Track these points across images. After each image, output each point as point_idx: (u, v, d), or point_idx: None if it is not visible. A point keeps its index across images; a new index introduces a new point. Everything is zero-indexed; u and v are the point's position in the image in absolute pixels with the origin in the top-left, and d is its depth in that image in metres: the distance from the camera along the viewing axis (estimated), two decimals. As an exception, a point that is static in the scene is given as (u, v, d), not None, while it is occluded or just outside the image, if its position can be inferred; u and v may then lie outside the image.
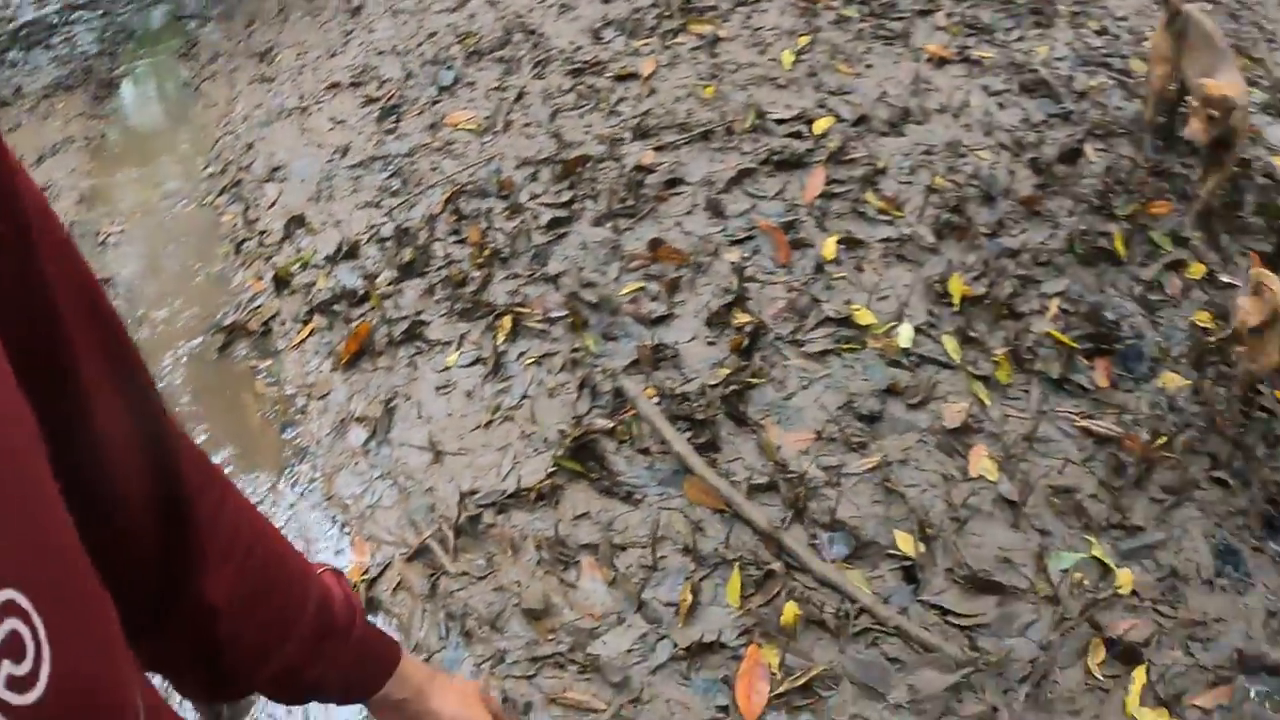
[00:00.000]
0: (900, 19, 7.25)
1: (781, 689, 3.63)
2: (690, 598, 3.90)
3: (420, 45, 8.20)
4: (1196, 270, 5.21)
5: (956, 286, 5.00)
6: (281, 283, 5.99)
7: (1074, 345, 4.72)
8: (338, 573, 1.37)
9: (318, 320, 5.65)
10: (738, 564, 3.98)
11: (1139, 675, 3.74)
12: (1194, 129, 4.82)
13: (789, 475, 4.27)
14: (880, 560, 4.09)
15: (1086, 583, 3.99)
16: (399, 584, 4.22)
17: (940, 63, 6.78)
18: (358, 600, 1.36)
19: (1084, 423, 4.46)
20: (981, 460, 4.36)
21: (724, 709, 3.63)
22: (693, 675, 3.73)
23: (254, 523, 1.17)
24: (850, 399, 4.61)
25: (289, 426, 5.17)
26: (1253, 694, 3.79)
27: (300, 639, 1.15)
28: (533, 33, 7.93)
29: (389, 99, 7.52)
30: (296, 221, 6.38)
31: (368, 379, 5.18)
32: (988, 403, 4.57)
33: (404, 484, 4.60)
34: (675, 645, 3.81)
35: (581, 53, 7.46)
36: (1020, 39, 7.01)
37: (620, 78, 7.04)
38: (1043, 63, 6.66)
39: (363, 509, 4.59)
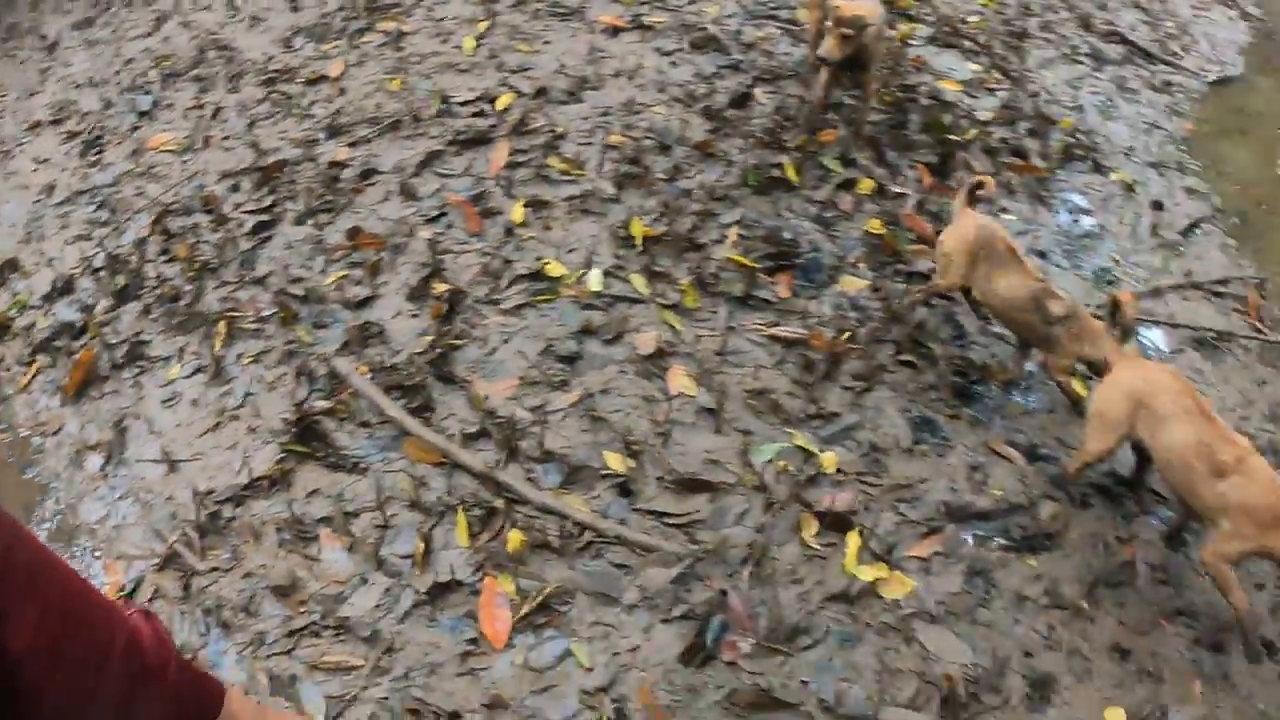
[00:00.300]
0: (575, -5, 7.72)
1: (522, 612, 3.85)
2: (424, 546, 4.10)
3: (118, 73, 8.05)
4: (866, 186, 5.83)
5: (638, 229, 5.42)
6: (1, 329, 5.89)
7: (754, 266, 5.21)
8: (148, 614, 1.30)
9: (41, 360, 5.51)
10: (461, 508, 4.22)
11: (853, 539, 4.18)
12: (828, 47, 5.42)
13: (499, 421, 4.55)
14: (595, 481, 4.40)
15: (791, 469, 4.42)
16: (155, 593, 4.21)
17: (615, 31, 7.25)
18: (171, 642, 1.31)
19: (771, 330, 4.93)
20: (679, 379, 4.76)
21: (473, 641, 3.84)
22: (438, 616, 3.92)
23: (51, 560, 1.11)
24: (549, 344, 4.94)
25: (28, 467, 5.05)
26: (965, 538, 4.34)
27: (114, 678, 1.09)
28: (225, 48, 7.93)
29: (90, 132, 7.38)
30: (10, 266, 6.24)
31: (96, 406, 5.12)
32: (679, 327, 4.98)
33: (145, 498, 4.58)
34: (417, 592, 4.00)
35: (273, 62, 7.53)
36: (692, 1, 7.59)
37: (311, 81, 7.17)
38: (713, 21, 7.23)
39: (109, 531, 4.54)
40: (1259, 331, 6.35)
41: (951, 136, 6.25)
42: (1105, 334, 4.46)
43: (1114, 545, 4.41)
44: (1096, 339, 4.53)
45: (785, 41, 7.00)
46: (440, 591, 3.73)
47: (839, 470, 4.42)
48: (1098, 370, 4.62)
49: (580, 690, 3.38)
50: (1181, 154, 8.55)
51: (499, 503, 3.96)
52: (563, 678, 3.43)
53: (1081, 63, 9.34)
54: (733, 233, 5.40)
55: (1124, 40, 10.64)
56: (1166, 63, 10.86)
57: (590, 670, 3.45)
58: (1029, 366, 5.05)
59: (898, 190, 5.80)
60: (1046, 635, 4.05)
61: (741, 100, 6.33)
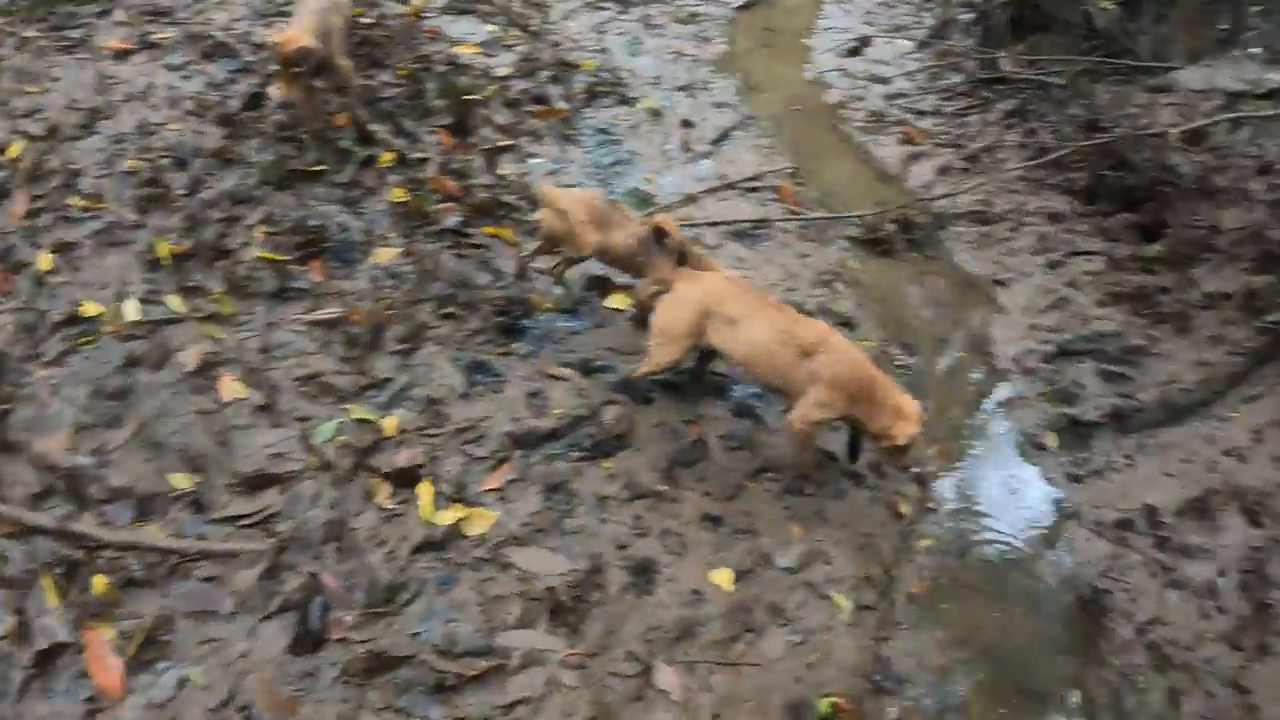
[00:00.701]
0: (80, 26, 7.36)
1: (130, 653, 3.62)
2: (18, 620, 3.82)
3: None
4: (388, 158, 5.99)
5: (164, 249, 5.31)
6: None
7: (285, 259, 5.25)
8: None
9: None
10: (45, 570, 4.01)
11: (424, 489, 4.26)
12: (283, 91, 5.65)
13: (62, 473, 4.39)
14: (167, 505, 4.29)
15: (353, 441, 4.52)
16: None
17: (123, 55, 7.02)
18: None
19: (311, 316, 5.00)
20: (230, 385, 4.73)
21: (92, 699, 3.61)
22: (52, 685, 3.67)
23: None
24: (97, 385, 4.73)
25: None
26: (533, 459, 4.52)
27: None
28: None
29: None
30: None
31: None
32: (221, 336, 4.95)
33: None
34: (24, 668, 3.73)
35: None
36: (200, 12, 7.47)
37: None
38: (221, 28, 7.15)
39: None
40: (794, 213, 7.10)
41: (470, 96, 6.52)
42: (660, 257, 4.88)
43: (682, 429, 4.83)
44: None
45: None
46: (46, 659, 3.54)
47: (401, 431, 4.57)
48: None
49: (206, 710, 3.35)
50: (710, 75, 9.32)
51: (80, 554, 3.82)
52: (187, 705, 3.38)
53: (605, 8, 9.95)
54: (260, 232, 5.42)
55: (653, -19, 11.42)
56: (693, -5, 11.79)
57: (209, 688, 3.41)
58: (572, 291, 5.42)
59: (419, 156, 6.01)
60: (635, 525, 4.39)
61: (254, 101, 6.34)
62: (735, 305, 4.37)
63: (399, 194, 5.60)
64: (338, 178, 5.75)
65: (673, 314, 4.53)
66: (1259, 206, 6.58)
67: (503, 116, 6.53)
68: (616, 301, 5.28)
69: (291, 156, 5.83)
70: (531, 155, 6.39)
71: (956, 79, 10.83)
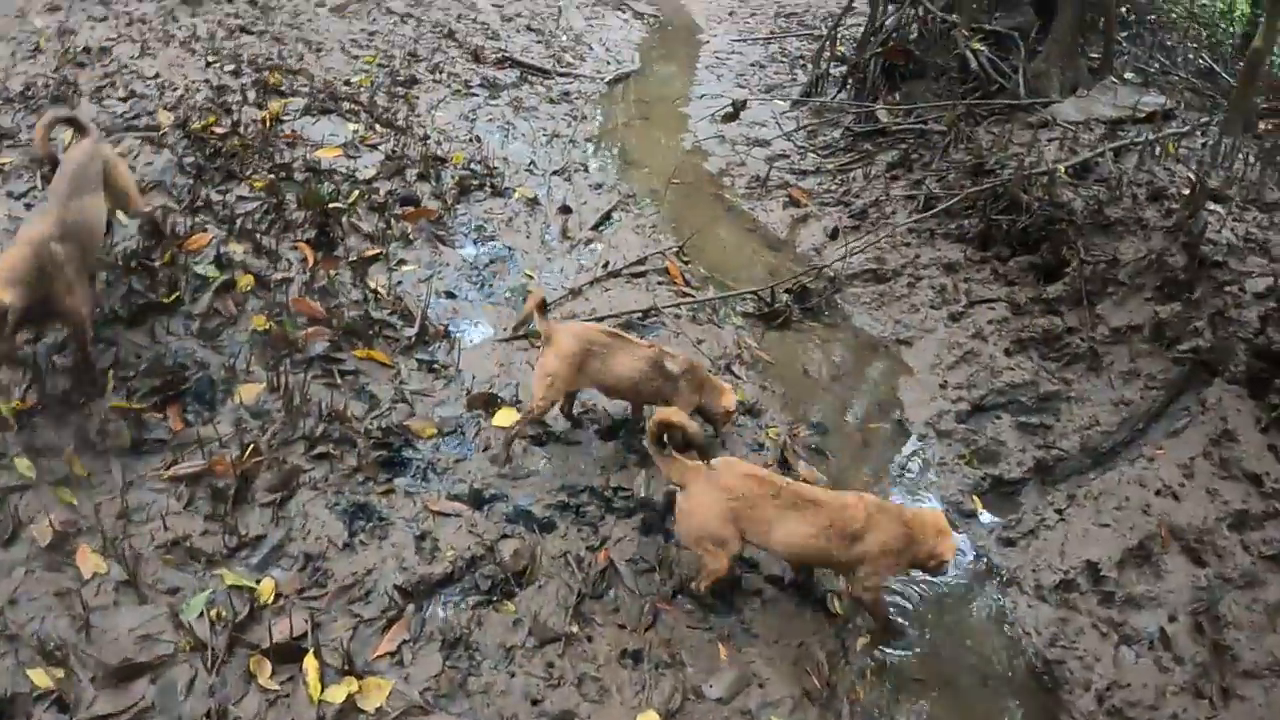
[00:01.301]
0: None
1: None
2: None
3: None
4: (246, 282, 5.59)
5: (6, 409, 4.83)
6: None
7: (140, 406, 4.81)
8: None
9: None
10: None
11: (310, 664, 3.84)
12: None
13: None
14: (30, 707, 3.84)
15: (226, 614, 4.08)
16: None
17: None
18: None
19: (171, 471, 4.56)
20: (89, 559, 4.26)
21: None
22: None
23: None
24: (-59, 572, 4.28)
25: None
26: (428, 613, 4.10)
27: None
28: None
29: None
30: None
31: None
32: (75, 501, 4.49)
33: None
34: None
35: None
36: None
37: None
38: (64, 149, 6.68)
39: None
40: (684, 294, 6.85)
41: (333, 205, 6.17)
42: (719, 381, 4.80)
43: (587, 557, 4.49)
44: (714, 387, 4.85)
45: (147, 150, 6.61)
46: None
47: (279, 596, 4.15)
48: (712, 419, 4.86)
49: None
50: (587, 155, 9.12)
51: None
52: None
53: (475, 95, 9.71)
54: (110, 378, 4.96)
55: (517, 63, 11.25)
56: (564, 75, 11.63)
57: None
58: (454, 412, 5.06)
59: (281, 277, 5.62)
60: (547, 674, 4.02)
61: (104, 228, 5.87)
62: (769, 505, 4.10)
63: (260, 322, 5.21)
64: (194, 308, 5.33)
65: (703, 522, 4.17)
66: (1155, 234, 6.57)
67: (369, 223, 6.20)
68: (503, 419, 4.93)
69: (143, 290, 5.37)
70: (402, 262, 6.07)
71: (835, 134, 10.83)
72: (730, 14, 18.31)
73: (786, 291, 7.24)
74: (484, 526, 4.43)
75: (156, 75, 7.53)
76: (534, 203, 7.26)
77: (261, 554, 4.23)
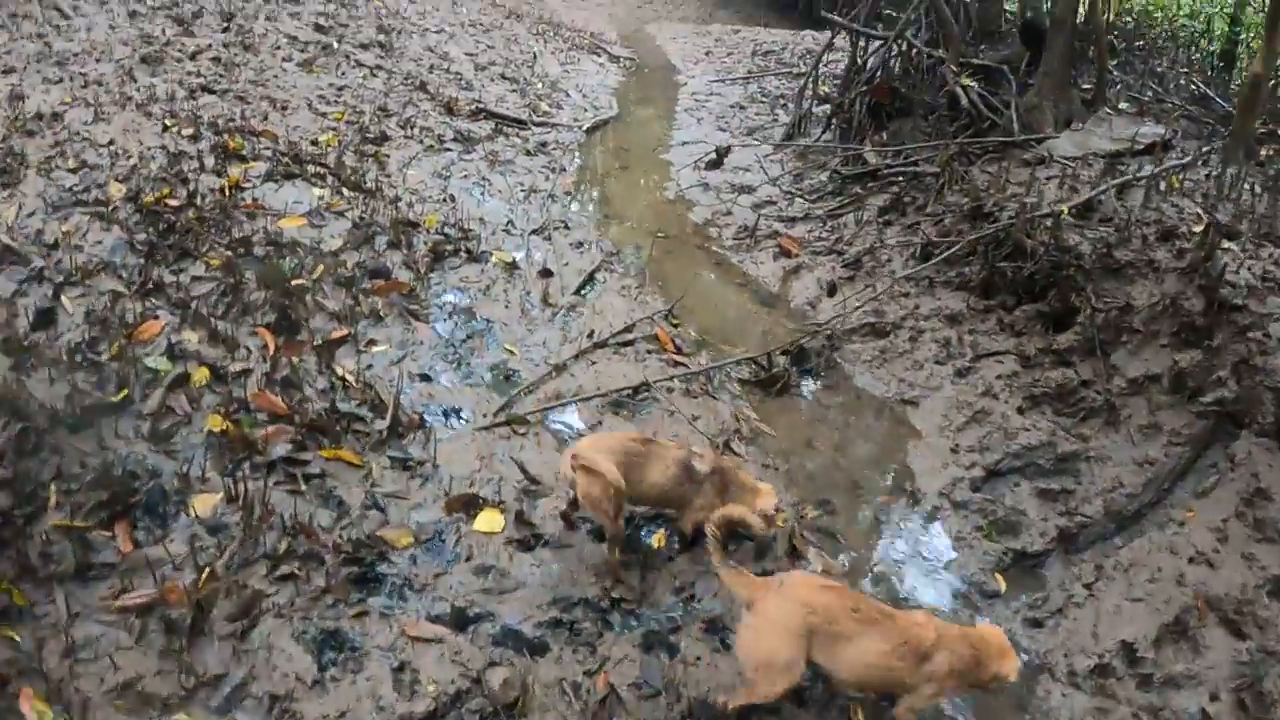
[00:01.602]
0: None
1: None
2: None
3: None
4: (201, 375, 5.12)
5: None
6: None
7: (86, 525, 4.33)
8: None
9: None
10: None
11: None
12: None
13: None
14: None
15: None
16: None
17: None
18: None
19: (121, 601, 4.07)
20: (33, 705, 3.78)
21: None
22: None
23: None
24: None
25: None
26: None
27: None
28: None
29: None
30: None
31: None
32: (17, 637, 4.00)
33: None
34: None
35: None
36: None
37: None
38: (7, 228, 6.23)
39: None
40: (676, 363, 6.41)
41: (297, 282, 5.73)
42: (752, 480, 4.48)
43: (584, 683, 4.04)
44: (747, 487, 4.49)
45: (97, 226, 6.16)
46: None
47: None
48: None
49: None
50: (567, 210, 8.71)
51: None
52: None
53: (449, 149, 9.30)
54: (53, 492, 4.47)
55: (491, 114, 10.84)
56: (541, 124, 11.24)
57: None
58: (432, 517, 4.60)
59: (239, 368, 5.15)
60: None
61: (46, 318, 5.41)
62: (848, 621, 3.73)
63: (216, 422, 4.74)
64: (144, 406, 4.85)
65: (772, 644, 3.76)
66: (1168, 276, 6.22)
67: (335, 300, 5.75)
68: (486, 524, 4.47)
69: (90, 386, 4.89)
70: (372, 342, 5.62)
71: (822, 177, 10.46)
72: (706, 54, 18.06)
73: (783, 353, 6.82)
74: (469, 653, 3.96)
75: (110, 142, 7.08)
76: (512, 267, 6.83)
77: (222, 695, 3.76)
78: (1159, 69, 12.00)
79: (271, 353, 5.26)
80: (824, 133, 11.63)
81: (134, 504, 4.36)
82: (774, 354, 6.69)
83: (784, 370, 6.55)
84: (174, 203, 6.31)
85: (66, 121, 7.30)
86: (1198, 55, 13.23)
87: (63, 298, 5.47)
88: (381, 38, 11.96)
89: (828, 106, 11.80)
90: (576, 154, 10.42)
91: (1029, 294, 7.13)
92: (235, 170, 7.02)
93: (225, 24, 10.69)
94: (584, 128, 11.33)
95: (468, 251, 6.82)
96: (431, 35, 13.35)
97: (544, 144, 10.22)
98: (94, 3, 10.43)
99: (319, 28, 11.61)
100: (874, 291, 7.73)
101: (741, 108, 13.85)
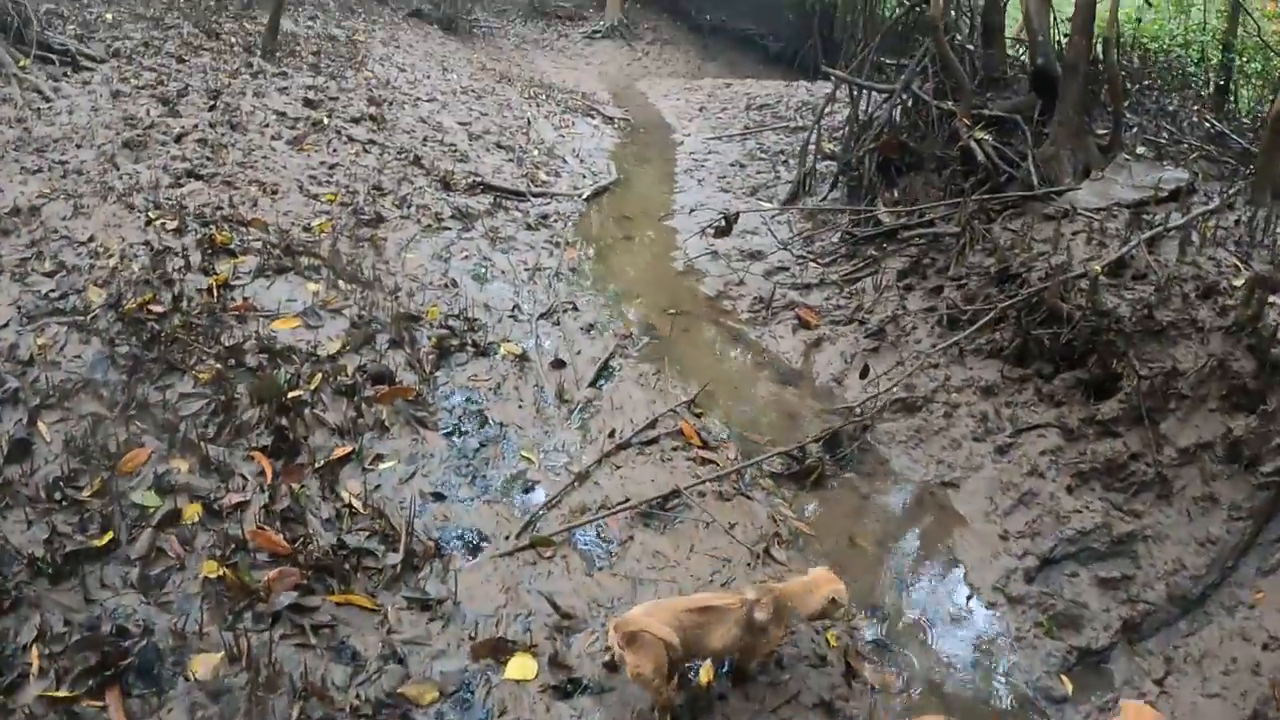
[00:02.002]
0: None
1: None
2: None
3: None
4: (193, 512, 4.66)
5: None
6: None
7: (72, 695, 3.84)
8: None
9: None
10: None
11: None
12: None
13: None
14: None
15: None
16: None
17: None
18: None
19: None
20: None
21: None
22: None
23: None
24: None
25: None
26: None
27: None
28: None
29: None
30: None
31: None
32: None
33: None
34: None
35: None
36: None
37: None
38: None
39: None
40: (704, 460, 5.96)
41: (294, 394, 5.27)
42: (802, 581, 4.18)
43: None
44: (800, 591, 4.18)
45: (75, 338, 5.70)
46: None
47: None
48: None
49: None
50: (574, 288, 8.29)
51: None
52: None
53: (447, 228, 8.90)
54: (35, 656, 3.98)
55: (489, 187, 10.45)
56: (540, 195, 10.85)
57: None
58: (457, 665, 4.12)
59: (235, 500, 4.68)
60: None
61: (22, 449, 4.94)
62: None
63: (212, 568, 4.27)
64: (132, 550, 4.38)
65: None
66: (1213, 336, 5.86)
67: (336, 412, 5.30)
68: (518, 670, 3.99)
69: (71, 529, 4.42)
70: (379, 458, 5.15)
71: (834, 238, 10.06)
72: (700, 110, 17.77)
73: (815, 440, 6.39)
74: None
75: (90, 239, 6.66)
76: (523, 360, 6.39)
77: None
78: (1170, 107, 11.64)
79: (269, 480, 4.80)
80: (831, 190, 11.27)
81: (126, 667, 3.88)
82: (806, 444, 6.25)
83: (818, 460, 6.11)
84: (158, 309, 5.87)
85: (44, 217, 6.88)
86: (1197, 87, 12.88)
87: (40, 424, 5.01)
88: (373, 110, 11.59)
89: (833, 163, 11.42)
90: (578, 225, 10.03)
91: (1067, 360, 6.73)
92: (223, 266, 6.59)
93: (211, 102, 10.31)
94: (584, 196, 10.95)
95: (474, 345, 6.38)
96: (424, 105, 13.00)
97: (544, 216, 9.82)
98: (76, 84, 10.06)
99: (308, 102, 11.25)
100: (902, 366, 7.31)
101: (741, 166, 13.50)
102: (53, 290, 6.02)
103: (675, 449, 5.93)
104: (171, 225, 6.95)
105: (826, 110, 12.26)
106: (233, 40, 13.27)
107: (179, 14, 13.11)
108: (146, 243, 6.70)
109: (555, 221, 9.83)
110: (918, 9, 11.05)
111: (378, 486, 5.05)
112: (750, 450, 6.16)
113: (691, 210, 11.31)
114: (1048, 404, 6.58)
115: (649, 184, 12.61)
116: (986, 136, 9.61)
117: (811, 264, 9.44)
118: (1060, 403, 6.52)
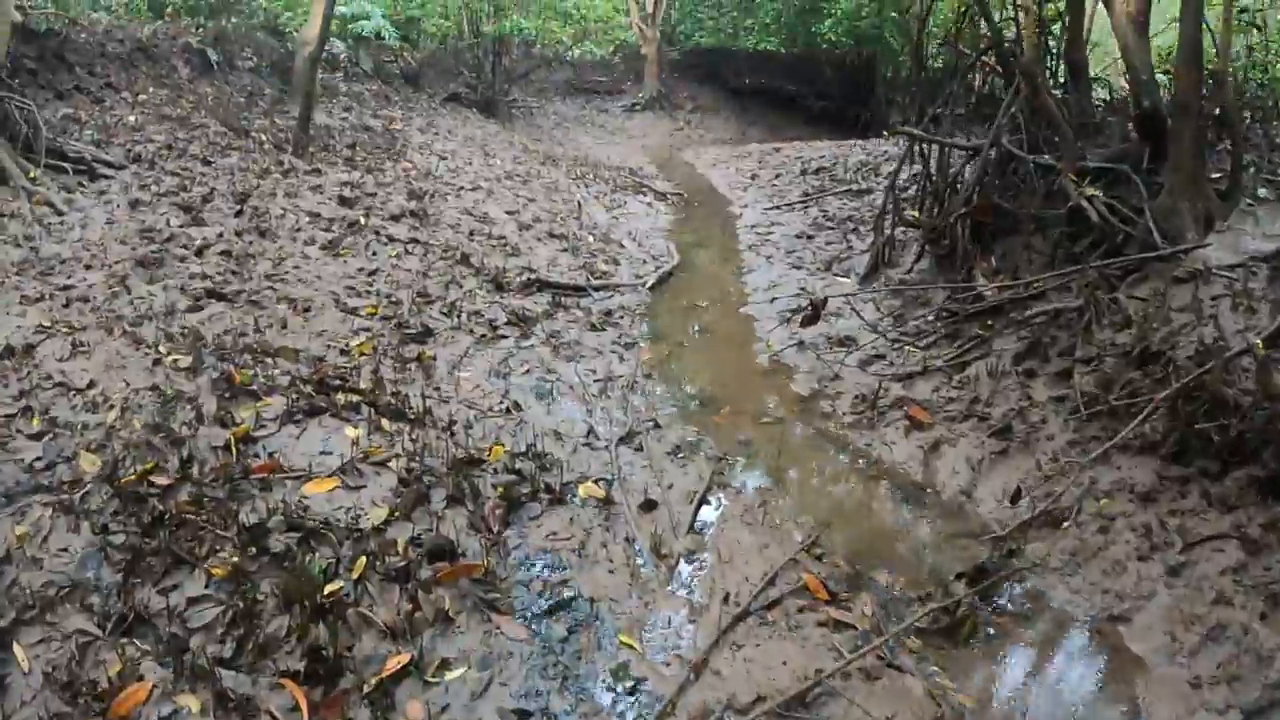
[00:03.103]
0: None
1: None
2: None
3: None
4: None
5: None
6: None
7: None
8: None
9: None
10: None
11: None
12: None
13: None
14: None
15: None
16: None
17: None
18: None
19: None
20: None
21: None
22: None
23: None
24: None
25: None
26: None
27: None
28: None
29: None
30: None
31: None
32: None
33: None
34: None
35: None
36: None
37: None
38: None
39: None
40: (839, 624, 4.72)
41: (331, 589, 4.05)
42: None
43: None
44: None
45: (61, 526, 4.53)
46: None
47: None
48: None
49: None
50: (650, 400, 7.08)
51: None
52: None
53: (503, 337, 7.74)
54: None
55: (546, 284, 9.32)
56: (601, 288, 9.69)
57: None
58: None
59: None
60: None
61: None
62: None
63: None
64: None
65: None
66: None
67: (387, 606, 4.07)
68: None
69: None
70: (444, 665, 3.93)
71: (927, 314, 8.81)
72: (752, 177, 16.69)
73: (958, 576, 5.13)
74: None
75: (89, 385, 5.53)
76: (606, 504, 5.17)
77: None
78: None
79: (307, 716, 3.54)
80: (917, 262, 10.02)
81: None
82: (949, 583, 5.01)
83: (969, 609, 4.82)
84: (163, 480, 4.68)
85: (39, 358, 5.78)
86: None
87: (16, 647, 3.81)
88: (414, 205, 10.52)
89: (916, 230, 10.20)
90: (646, 320, 8.84)
91: (1237, 456, 5.52)
92: (244, 413, 5.41)
93: (238, 206, 9.28)
94: (647, 285, 9.77)
95: (548, 490, 5.16)
96: (467, 194, 11.96)
97: (608, 312, 8.65)
98: (91, 194, 9.08)
99: (344, 200, 10.20)
100: (1038, 470, 6.06)
101: (809, 237, 12.32)
102: (39, 459, 4.86)
103: (802, 610, 4.69)
104: (184, 363, 5.80)
105: (893, 171, 11.06)
106: (263, 138, 12.34)
107: (206, 112, 12.17)
108: (154, 387, 5.55)
109: (621, 317, 8.65)
110: (1007, 55, 9.83)
111: (445, 708, 3.80)
112: (886, 600, 4.90)
113: (765, 291, 10.12)
114: (1219, 509, 5.36)
115: (714, 265, 11.45)
116: (1097, 193, 8.36)
117: (909, 348, 8.20)
118: (1234, 507, 5.31)
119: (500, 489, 5.17)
